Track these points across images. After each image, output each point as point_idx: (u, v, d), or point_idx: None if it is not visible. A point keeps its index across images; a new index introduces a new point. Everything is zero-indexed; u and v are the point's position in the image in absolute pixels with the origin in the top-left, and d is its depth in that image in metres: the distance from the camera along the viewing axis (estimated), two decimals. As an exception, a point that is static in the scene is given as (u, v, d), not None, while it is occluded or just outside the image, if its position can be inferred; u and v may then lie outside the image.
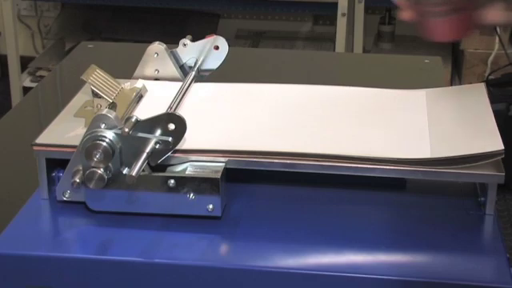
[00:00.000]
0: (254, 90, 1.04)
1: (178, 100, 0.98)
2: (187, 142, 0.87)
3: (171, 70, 1.06)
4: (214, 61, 1.07)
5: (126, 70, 1.08)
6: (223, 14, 2.97)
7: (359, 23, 2.58)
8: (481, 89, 1.01)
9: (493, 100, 0.98)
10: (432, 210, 0.88)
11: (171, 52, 1.06)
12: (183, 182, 0.84)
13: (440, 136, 0.92)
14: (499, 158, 0.86)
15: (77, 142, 0.90)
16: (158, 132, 0.84)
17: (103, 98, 0.94)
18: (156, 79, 1.06)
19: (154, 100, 1.02)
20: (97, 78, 0.95)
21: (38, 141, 0.90)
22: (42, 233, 0.86)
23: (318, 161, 0.87)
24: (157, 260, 0.80)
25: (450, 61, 2.67)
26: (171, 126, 0.84)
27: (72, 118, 0.96)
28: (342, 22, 2.54)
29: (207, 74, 1.07)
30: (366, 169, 0.87)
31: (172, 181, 0.84)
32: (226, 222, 0.85)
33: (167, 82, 1.07)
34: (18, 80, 2.75)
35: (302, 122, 0.96)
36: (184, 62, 1.07)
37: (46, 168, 0.89)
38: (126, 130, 0.83)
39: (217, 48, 1.07)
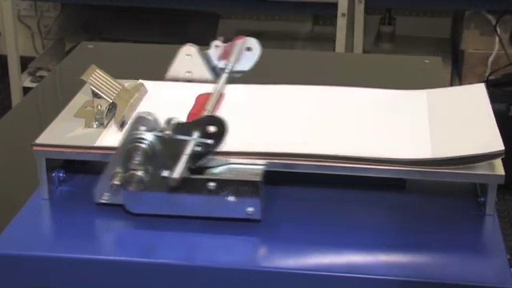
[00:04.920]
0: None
1: (213, 102, 0.97)
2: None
3: (203, 71, 1.05)
4: (246, 62, 1.06)
5: (126, 70, 1.08)
6: (223, 14, 2.97)
7: (359, 23, 2.58)
8: (481, 89, 1.01)
9: (493, 100, 0.98)
10: (432, 210, 0.88)
11: (203, 53, 1.05)
12: (223, 184, 0.83)
13: (441, 136, 0.92)
14: (499, 158, 0.86)
15: (77, 142, 0.90)
16: (199, 134, 0.84)
17: (103, 98, 0.94)
18: (188, 81, 1.05)
19: (155, 100, 1.02)
20: (97, 78, 0.95)
21: (38, 141, 0.90)
22: (42, 233, 0.86)
23: (317, 161, 0.87)
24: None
25: (450, 61, 2.67)
26: (212, 129, 0.83)
27: (72, 118, 0.96)
28: (342, 22, 2.54)
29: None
30: (365, 169, 0.87)
31: (212, 183, 0.83)
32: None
33: (167, 82, 1.07)
34: (18, 80, 2.75)
35: (306, 121, 0.96)
36: (215, 63, 1.06)
37: (46, 168, 0.89)
38: (168, 132, 0.82)
39: (249, 49, 1.06)
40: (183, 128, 0.84)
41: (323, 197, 0.90)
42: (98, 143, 0.90)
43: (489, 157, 0.85)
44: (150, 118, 0.84)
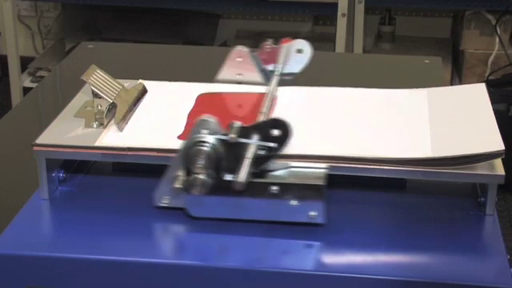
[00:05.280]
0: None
1: (268, 104, 0.96)
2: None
3: (254, 73, 1.05)
4: (296, 64, 1.06)
5: (126, 70, 1.08)
6: (223, 14, 2.97)
7: (359, 23, 2.58)
8: (482, 89, 1.01)
9: (493, 100, 0.98)
10: (432, 210, 0.88)
11: (253, 56, 1.05)
12: (286, 188, 0.83)
13: (441, 135, 0.92)
14: (500, 157, 0.86)
15: (77, 142, 0.90)
16: (262, 137, 0.83)
17: (103, 98, 0.94)
18: (239, 83, 1.05)
19: (154, 100, 1.02)
20: (97, 78, 0.95)
21: (38, 141, 0.90)
22: (42, 233, 0.86)
23: (318, 162, 0.87)
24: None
25: (450, 61, 2.67)
26: (276, 132, 0.83)
27: (72, 118, 0.96)
28: (342, 23, 2.54)
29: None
30: (366, 169, 0.87)
31: (275, 187, 0.83)
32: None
33: (167, 82, 1.07)
34: (18, 80, 2.75)
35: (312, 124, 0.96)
36: (264, 66, 1.06)
37: (46, 168, 0.89)
38: (233, 135, 0.82)
39: (299, 51, 1.05)
40: (246, 131, 0.83)
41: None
42: (98, 143, 0.90)
43: (489, 156, 0.85)
44: (212, 120, 0.82)
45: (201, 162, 0.82)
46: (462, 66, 2.65)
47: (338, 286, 0.79)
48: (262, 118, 0.91)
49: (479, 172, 0.85)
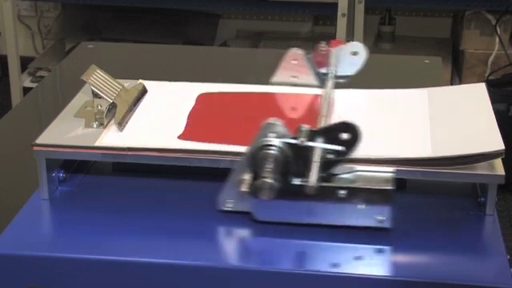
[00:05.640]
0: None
1: (326, 107, 0.95)
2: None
3: (309, 76, 1.04)
4: (351, 66, 1.05)
5: (126, 70, 1.08)
6: (223, 14, 2.97)
7: (359, 23, 2.58)
8: (482, 88, 1.01)
9: (493, 100, 0.98)
10: (432, 210, 0.88)
11: (308, 58, 1.04)
12: (354, 192, 0.82)
13: (441, 135, 0.92)
14: (500, 157, 0.86)
15: (77, 142, 0.90)
16: (331, 141, 0.82)
17: (103, 98, 0.94)
18: (294, 85, 1.04)
19: (155, 100, 1.02)
20: (97, 78, 0.95)
21: (38, 141, 0.90)
22: (42, 233, 0.86)
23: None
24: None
25: (450, 61, 2.67)
26: (345, 136, 0.82)
27: (72, 118, 0.96)
28: (341, 23, 2.54)
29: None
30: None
31: (342, 191, 0.82)
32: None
33: (167, 82, 1.07)
34: (18, 80, 2.75)
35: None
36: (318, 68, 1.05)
37: (46, 168, 0.89)
38: (303, 139, 0.81)
39: (355, 54, 1.05)
40: (315, 135, 0.82)
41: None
42: (98, 143, 0.90)
43: (489, 156, 0.85)
44: (279, 124, 0.82)
45: (269, 166, 0.81)
46: (462, 66, 2.65)
47: (338, 286, 0.79)
48: (323, 121, 0.90)
49: (479, 172, 0.85)
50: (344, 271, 0.79)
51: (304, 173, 0.82)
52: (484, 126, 0.92)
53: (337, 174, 0.84)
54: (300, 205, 0.83)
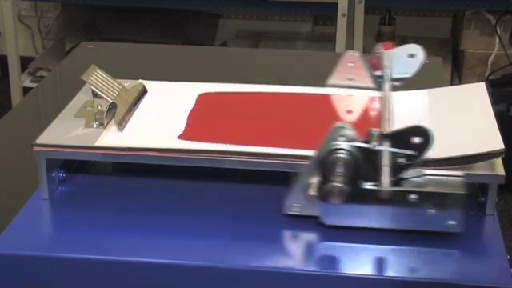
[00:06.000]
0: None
1: (388, 110, 0.94)
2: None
3: (366, 78, 1.04)
4: (408, 69, 1.04)
5: (126, 70, 1.08)
6: (223, 14, 2.97)
7: (359, 23, 2.58)
8: (482, 88, 1.01)
9: (493, 100, 0.98)
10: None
11: (364, 61, 1.04)
12: (426, 197, 0.81)
13: (441, 136, 0.92)
14: (499, 157, 0.86)
15: (77, 142, 0.90)
16: (402, 145, 0.81)
17: (103, 98, 0.94)
18: (350, 88, 1.04)
19: (155, 100, 1.02)
20: (97, 78, 0.95)
21: (38, 141, 0.90)
22: (42, 233, 0.86)
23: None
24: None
25: (450, 61, 2.67)
26: (416, 140, 0.81)
27: (72, 118, 0.96)
28: (342, 23, 2.54)
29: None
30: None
31: (413, 196, 0.81)
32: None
33: (167, 82, 1.07)
34: (18, 80, 2.75)
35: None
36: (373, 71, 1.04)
37: (46, 168, 0.89)
38: (375, 143, 0.81)
39: (412, 56, 1.04)
40: (386, 139, 0.81)
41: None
42: (98, 143, 0.90)
43: (489, 156, 0.85)
44: (348, 127, 0.81)
45: (339, 170, 0.81)
46: (462, 66, 2.65)
47: (337, 285, 0.79)
48: (386, 125, 0.90)
49: (479, 172, 0.85)
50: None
51: (373, 177, 0.81)
52: (484, 125, 0.92)
53: (406, 178, 0.83)
54: (370, 209, 0.82)
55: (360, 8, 2.56)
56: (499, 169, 0.86)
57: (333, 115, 0.99)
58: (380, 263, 0.81)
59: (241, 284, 0.80)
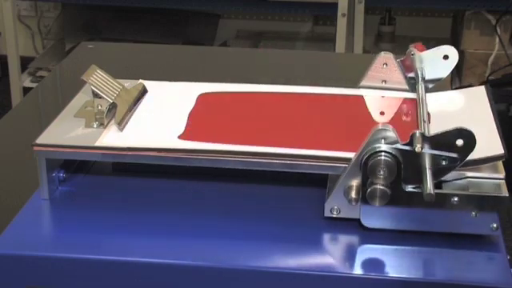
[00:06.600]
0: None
1: (425, 112, 0.94)
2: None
3: (399, 80, 1.03)
4: (441, 70, 1.03)
5: (126, 70, 1.08)
6: (223, 14, 2.97)
7: (359, 23, 2.58)
8: (482, 92, 1.01)
9: (493, 100, 0.98)
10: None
11: (398, 62, 1.03)
12: (467, 199, 0.81)
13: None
14: (501, 160, 0.86)
15: (77, 142, 0.90)
16: (445, 147, 0.81)
17: (103, 98, 0.94)
18: (383, 89, 1.03)
19: (155, 100, 1.02)
20: (97, 78, 0.95)
21: (38, 141, 0.90)
22: (42, 233, 0.86)
23: (320, 162, 0.87)
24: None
25: (450, 61, 2.67)
26: (460, 142, 0.81)
27: (72, 118, 0.96)
28: (342, 23, 2.54)
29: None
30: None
31: (456, 198, 0.81)
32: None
33: (167, 82, 1.07)
34: (18, 80, 2.75)
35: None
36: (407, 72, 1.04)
37: (46, 168, 0.89)
38: (419, 145, 0.80)
39: (446, 57, 1.03)
40: (429, 141, 0.81)
41: (321, 197, 0.90)
42: (98, 143, 0.90)
43: (489, 160, 0.85)
44: (390, 130, 0.81)
45: (382, 173, 0.80)
46: (462, 66, 2.65)
47: (338, 286, 0.79)
48: (425, 127, 0.89)
49: (479, 173, 0.85)
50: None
51: (415, 179, 0.81)
52: (484, 129, 0.92)
53: (447, 181, 0.83)
54: (411, 212, 0.82)
55: (360, 8, 2.56)
56: (500, 169, 0.86)
57: (334, 115, 0.99)
58: (380, 263, 0.81)
59: (241, 284, 0.80)
